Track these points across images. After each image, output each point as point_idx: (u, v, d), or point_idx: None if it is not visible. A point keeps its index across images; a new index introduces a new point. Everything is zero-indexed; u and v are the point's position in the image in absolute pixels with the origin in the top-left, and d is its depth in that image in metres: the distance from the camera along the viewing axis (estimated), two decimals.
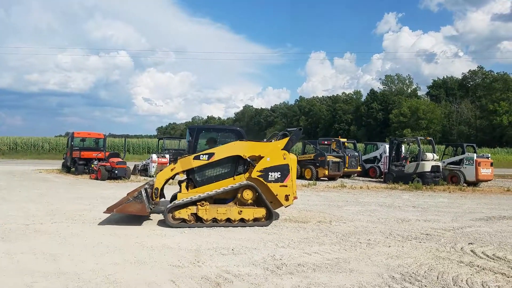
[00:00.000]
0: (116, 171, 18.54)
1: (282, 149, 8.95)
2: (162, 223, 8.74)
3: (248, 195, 8.70)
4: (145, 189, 8.97)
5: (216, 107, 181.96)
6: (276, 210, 9.22)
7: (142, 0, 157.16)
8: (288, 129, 9.57)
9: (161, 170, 10.07)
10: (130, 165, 21.23)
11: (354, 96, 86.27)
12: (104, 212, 8.78)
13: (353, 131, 70.86)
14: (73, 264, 5.74)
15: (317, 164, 20.89)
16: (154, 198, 9.16)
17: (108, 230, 8.00)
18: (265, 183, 8.77)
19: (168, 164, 20.32)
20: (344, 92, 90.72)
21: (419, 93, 76.64)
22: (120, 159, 19.53)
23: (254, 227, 8.49)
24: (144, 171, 21.56)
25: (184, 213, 8.50)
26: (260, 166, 8.82)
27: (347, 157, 22.14)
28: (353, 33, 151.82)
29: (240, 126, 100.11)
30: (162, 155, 21.70)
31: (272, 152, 8.94)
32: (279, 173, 8.81)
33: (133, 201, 8.51)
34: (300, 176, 21.32)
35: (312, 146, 22.86)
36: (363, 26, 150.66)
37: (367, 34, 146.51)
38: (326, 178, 21.08)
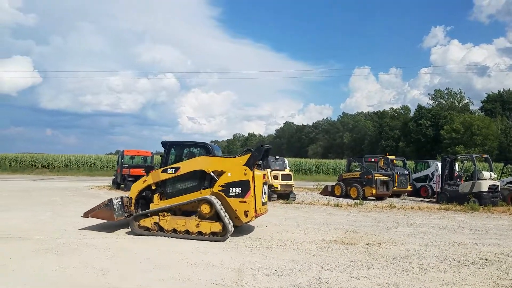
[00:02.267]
0: None
1: (243, 165, 9.01)
2: (205, 240, 8.80)
3: (205, 209, 8.88)
4: (121, 198, 9.77)
5: (257, 124, 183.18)
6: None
7: (187, 25, 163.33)
8: (264, 145, 9.57)
9: None
10: None
11: (402, 112, 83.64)
12: (81, 217, 9.63)
13: (402, 148, 68.42)
14: (122, 279, 5.87)
15: (364, 183, 20.25)
16: (129, 207, 9.71)
17: (154, 246, 8.14)
18: (226, 198, 8.94)
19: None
20: (391, 107, 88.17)
21: (472, 108, 72.97)
22: None
23: (301, 250, 8.31)
24: None
25: (148, 222, 9.07)
26: (221, 181, 9.02)
27: (396, 175, 21.30)
28: (399, 47, 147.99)
29: (281, 142, 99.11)
30: None
31: (233, 167, 9.07)
32: (240, 188, 8.91)
33: (104, 208, 9.30)
34: (346, 195, 20.83)
35: (357, 163, 22.24)
36: (409, 40, 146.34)
37: (413, 48, 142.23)
38: (374, 198, 20.35)
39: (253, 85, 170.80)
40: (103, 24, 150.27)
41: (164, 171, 9.45)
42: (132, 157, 24.10)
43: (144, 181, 9.67)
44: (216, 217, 8.88)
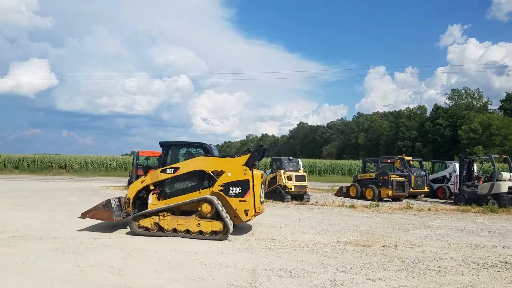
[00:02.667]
0: None
1: (243, 165, 9.19)
2: (219, 240, 8.83)
3: (206, 208, 8.99)
4: (118, 198, 9.78)
5: (270, 125, 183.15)
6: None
7: (201, 27, 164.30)
8: (262, 146, 9.89)
9: None
10: None
11: (418, 111, 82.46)
12: (78, 217, 9.59)
13: (418, 149, 67.46)
14: (137, 278, 5.91)
15: (380, 184, 20.02)
16: (127, 208, 9.71)
17: (169, 246, 8.18)
18: (226, 197, 9.10)
19: None
20: (408, 107, 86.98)
21: (491, 107, 71.41)
22: None
23: (315, 252, 8.25)
24: None
25: (147, 222, 9.09)
26: (221, 180, 9.17)
27: (412, 176, 21.00)
28: (415, 46, 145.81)
29: (295, 143, 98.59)
30: None
31: (233, 167, 9.22)
32: (240, 188, 9.10)
33: (102, 208, 9.31)
34: (361, 196, 20.62)
35: (373, 164, 22.01)
36: (425, 39, 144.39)
37: (429, 47, 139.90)
38: (390, 199, 20.11)
39: (266, 86, 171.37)
40: (118, 26, 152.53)
41: (163, 171, 9.47)
42: (147, 158, 24.32)
43: (142, 181, 9.70)
44: (216, 216, 9.00)
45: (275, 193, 18.58)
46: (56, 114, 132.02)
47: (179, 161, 9.85)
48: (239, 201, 9.10)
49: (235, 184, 9.11)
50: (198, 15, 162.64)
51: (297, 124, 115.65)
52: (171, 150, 10.01)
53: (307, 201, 17.96)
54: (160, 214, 9.10)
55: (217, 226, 8.91)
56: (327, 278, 6.21)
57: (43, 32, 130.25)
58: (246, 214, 9.14)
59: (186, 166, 9.48)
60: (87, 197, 18.59)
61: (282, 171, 18.47)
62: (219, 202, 9.03)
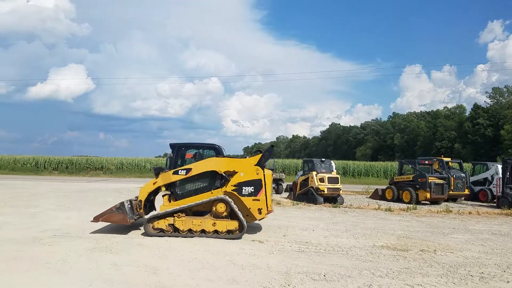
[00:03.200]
0: None
1: (255, 165, 9.44)
2: (252, 242, 8.81)
3: (221, 208, 9.17)
4: (130, 201, 9.76)
5: (301, 126, 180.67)
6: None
7: (232, 29, 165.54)
8: (270, 146, 10.07)
9: None
10: None
11: (457, 111, 79.50)
12: (91, 221, 9.46)
13: (457, 150, 65.03)
14: (171, 278, 6.00)
15: (417, 186, 19.40)
16: (138, 210, 9.70)
17: (202, 246, 8.25)
18: (239, 197, 9.28)
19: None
20: (446, 107, 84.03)
21: None
22: None
23: (350, 255, 8.08)
24: None
25: (162, 224, 9.14)
26: (234, 180, 9.35)
27: (452, 178, 20.21)
28: (452, 43, 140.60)
29: (327, 144, 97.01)
30: None
31: (245, 167, 9.44)
32: (252, 187, 9.32)
33: (116, 211, 9.23)
34: (398, 199, 20.07)
35: (410, 166, 21.36)
36: (464, 36, 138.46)
37: (468, 45, 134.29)
38: (428, 202, 19.44)
39: (297, 87, 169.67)
40: (151, 31, 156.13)
41: (176, 173, 9.51)
42: None
43: (154, 183, 9.72)
44: (230, 215, 9.22)
45: (307, 195, 18.40)
46: (93, 117, 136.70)
47: (188, 162, 9.87)
48: (253, 200, 9.32)
49: (248, 183, 9.33)
50: (228, 18, 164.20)
51: (329, 125, 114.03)
52: (182, 152, 10.05)
53: (341, 204, 17.66)
54: (175, 215, 9.17)
55: (232, 225, 9.13)
56: (362, 282, 6.06)
57: (80, 39, 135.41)
58: (260, 213, 9.38)
59: (198, 167, 9.56)
60: (123, 197, 19.07)
61: (314, 173, 18.25)
62: (233, 202, 9.21)
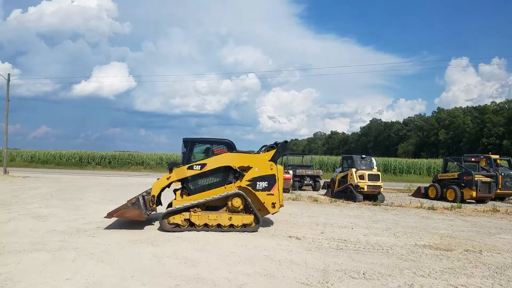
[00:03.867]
0: None
1: (269, 160, 9.64)
2: (289, 238, 8.80)
3: (237, 202, 9.32)
4: (143, 196, 9.70)
5: (340, 122, 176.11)
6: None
7: (270, 24, 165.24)
8: (277, 142, 10.01)
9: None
10: None
11: (506, 106, 75.30)
12: (104, 217, 9.39)
13: (506, 147, 61.69)
14: (210, 270, 6.10)
15: (462, 184, 18.61)
16: (151, 205, 9.65)
17: (239, 241, 8.33)
18: (254, 191, 9.47)
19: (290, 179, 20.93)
20: (494, 102, 79.81)
21: None
22: None
23: (391, 254, 7.88)
24: None
25: (178, 219, 9.13)
26: (248, 176, 9.53)
27: (500, 176, 19.22)
28: (502, 35, 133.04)
29: (367, 141, 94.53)
30: (286, 170, 21.98)
31: (260, 163, 9.63)
32: (266, 182, 9.54)
33: (131, 207, 9.12)
34: (441, 198, 19.36)
35: (455, 163, 20.50)
36: None
37: None
38: (474, 201, 18.60)
39: (337, 81, 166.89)
40: (190, 29, 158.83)
41: (190, 168, 9.48)
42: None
43: (168, 178, 9.63)
44: (245, 210, 9.41)
45: (346, 192, 18.10)
46: (134, 114, 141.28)
47: (202, 157, 9.85)
48: (267, 194, 9.53)
49: (262, 178, 9.54)
50: (267, 12, 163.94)
51: (369, 121, 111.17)
52: (195, 147, 10.01)
53: (381, 202, 17.24)
54: (191, 210, 9.20)
55: (247, 219, 9.34)
56: (403, 281, 5.89)
57: (122, 37, 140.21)
58: (274, 207, 9.59)
59: (213, 162, 9.58)
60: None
61: (354, 169, 17.91)
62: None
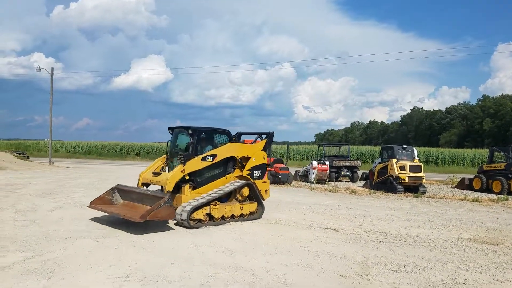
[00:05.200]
0: (279, 176, 19.44)
1: (261, 150, 10.16)
2: (326, 230, 8.72)
3: (246, 192, 9.54)
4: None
5: (378, 111, 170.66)
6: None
7: (305, 12, 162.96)
8: (266, 132, 10.60)
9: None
10: (292, 170, 21.85)
11: None
12: (137, 221, 7.76)
13: None
14: (247, 260, 6.16)
15: (510, 176, 17.69)
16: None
17: (276, 231, 8.35)
18: (252, 180, 9.75)
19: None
20: None
21: None
22: (283, 165, 20.34)
23: (433, 247, 7.63)
24: (304, 177, 21.85)
25: (200, 214, 8.66)
26: (248, 165, 9.86)
27: None
28: None
29: (407, 130, 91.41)
30: (322, 161, 21.71)
31: (256, 152, 10.05)
32: (261, 171, 10.08)
33: (164, 206, 7.98)
34: (486, 189, 18.52)
35: (502, 153, 19.49)
36: None
37: None
38: None
39: (375, 69, 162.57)
40: (225, 20, 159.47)
41: (204, 159, 9.07)
42: None
43: (182, 170, 8.79)
44: (249, 198, 9.67)
45: (386, 184, 17.67)
46: (171, 106, 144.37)
47: (207, 148, 9.46)
48: (262, 182, 10.07)
49: (257, 167, 10.00)
50: (301, 0, 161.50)
51: (410, 110, 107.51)
52: (202, 137, 9.43)
53: (423, 194, 16.71)
54: (211, 203, 8.77)
55: (253, 207, 9.68)
56: (447, 275, 5.70)
57: (159, 30, 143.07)
58: (266, 193, 10.19)
59: (222, 153, 9.43)
60: None
61: (394, 160, 17.44)
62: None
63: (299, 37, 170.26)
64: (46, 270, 5.34)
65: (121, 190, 9.42)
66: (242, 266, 5.82)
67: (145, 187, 9.30)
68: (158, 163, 9.74)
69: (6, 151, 31.89)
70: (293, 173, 21.77)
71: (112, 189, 9.44)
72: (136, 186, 9.45)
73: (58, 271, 5.32)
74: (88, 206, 9.19)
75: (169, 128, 9.96)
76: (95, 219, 9.09)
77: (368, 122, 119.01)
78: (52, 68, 32.80)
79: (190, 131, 9.27)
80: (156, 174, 9.28)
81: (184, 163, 8.84)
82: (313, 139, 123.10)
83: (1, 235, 7.28)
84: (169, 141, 9.88)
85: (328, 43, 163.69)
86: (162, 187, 8.95)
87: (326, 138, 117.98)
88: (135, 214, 8.11)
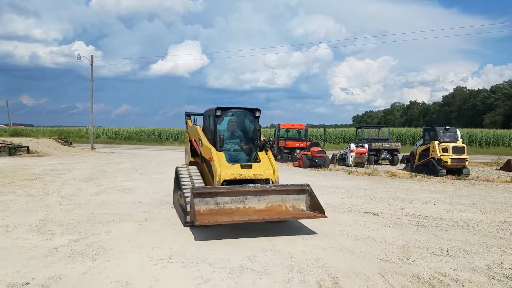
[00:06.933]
0: (316, 160, 19.27)
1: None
2: (365, 214, 8.58)
3: None
4: None
5: (420, 91, 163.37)
6: None
7: None
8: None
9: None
10: (329, 154, 21.61)
11: None
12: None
13: None
14: (285, 243, 6.17)
15: None
16: None
17: None
18: None
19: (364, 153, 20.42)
20: None
21: None
22: (320, 148, 20.12)
23: (477, 231, 7.35)
24: (342, 160, 21.52)
25: None
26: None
27: None
28: None
29: (450, 110, 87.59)
30: (361, 144, 21.28)
31: None
32: None
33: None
34: None
35: None
36: None
37: None
38: None
39: (416, 48, 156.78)
40: (260, 1, 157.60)
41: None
42: (287, 130, 25.06)
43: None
44: None
45: (427, 166, 17.13)
46: (207, 91, 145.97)
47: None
48: None
49: None
50: None
51: (453, 89, 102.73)
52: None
53: (466, 176, 16.08)
54: None
55: None
56: (492, 260, 5.49)
57: (195, 15, 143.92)
58: None
59: None
60: None
61: (437, 142, 16.83)
62: None
63: (336, 16, 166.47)
64: (91, 252, 5.58)
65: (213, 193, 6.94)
66: (280, 249, 5.85)
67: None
68: None
69: (50, 138, 33.41)
70: (330, 156, 21.52)
71: (194, 194, 6.61)
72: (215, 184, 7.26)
73: (103, 253, 5.55)
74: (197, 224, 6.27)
75: (219, 109, 7.94)
76: (137, 203, 9.40)
77: (408, 103, 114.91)
78: (92, 56, 33.91)
79: (258, 114, 8.12)
80: (246, 167, 7.60)
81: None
82: (351, 122, 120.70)
83: (47, 218, 7.67)
84: (219, 125, 7.96)
85: (366, 22, 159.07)
86: (265, 180, 7.63)
87: (364, 120, 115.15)
88: (288, 211, 7.11)
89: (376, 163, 22.52)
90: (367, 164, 21.11)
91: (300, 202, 7.29)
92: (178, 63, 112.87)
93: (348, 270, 4.99)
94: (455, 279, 4.75)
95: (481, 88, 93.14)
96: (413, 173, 17.20)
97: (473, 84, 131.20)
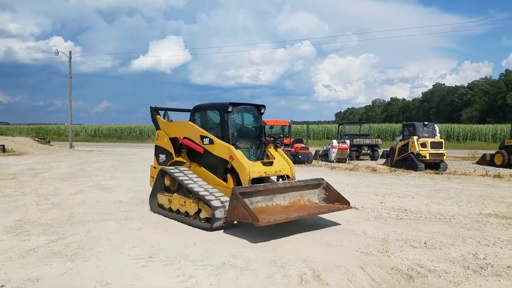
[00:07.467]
0: (300, 156, 19.41)
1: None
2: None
3: None
4: None
5: (400, 88, 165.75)
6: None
7: None
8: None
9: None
10: (312, 150, 21.77)
11: None
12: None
13: None
14: (268, 238, 6.18)
15: None
16: None
17: None
18: None
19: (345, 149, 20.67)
20: None
21: None
22: (303, 145, 20.29)
23: (453, 223, 7.54)
24: (324, 156, 21.77)
25: None
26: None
27: None
28: None
29: (429, 107, 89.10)
30: (343, 140, 21.55)
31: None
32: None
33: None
34: (508, 165, 18.22)
35: None
36: None
37: None
38: None
39: (396, 46, 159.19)
40: None
41: None
42: (271, 127, 25.06)
43: None
44: None
45: (407, 161, 17.46)
46: (190, 87, 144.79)
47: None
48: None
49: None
50: None
51: (432, 86, 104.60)
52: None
53: (444, 170, 16.47)
54: None
55: None
56: (467, 251, 5.65)
57: (177, 11, 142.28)
58: None
59: None
60: None
61: (415, 137, 17.16)
62: None
63: (320, 13, 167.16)
64: (70, 252, 5.49)
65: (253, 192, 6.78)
66: (263, 245, 5.89)
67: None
68: None
69: (27, 136, 32.60)
70: (313, 153, 21.68)
71: (241, 194, 6.39)
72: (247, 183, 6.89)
73: (82, 253, 5.47)
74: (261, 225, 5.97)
75: (231, 104, 7.54)
76: (118, 202, 9.29)
77: (389, 100, 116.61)
78: (70, 52, 33.20)
79: (262, 111, 7.86)
80: (268, 164, 7.44)
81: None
82: (334, 118, 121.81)
83: (24, 219, 7.51)
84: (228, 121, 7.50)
85: (348, 19, 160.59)
86: (284, 176, 7.62)
87: (347, 117, 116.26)
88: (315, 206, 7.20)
89: (357, 158, 22.82)
90: (348, 159, 21.37)
91: (313, 196, 7.52)
92: (160, 59, 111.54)
93: (329, 264, 5.06)
94: (432, 270, 4.87)
95: (458, 84, 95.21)
96: (393, 168, 17.49)
97: (451, 80, 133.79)
